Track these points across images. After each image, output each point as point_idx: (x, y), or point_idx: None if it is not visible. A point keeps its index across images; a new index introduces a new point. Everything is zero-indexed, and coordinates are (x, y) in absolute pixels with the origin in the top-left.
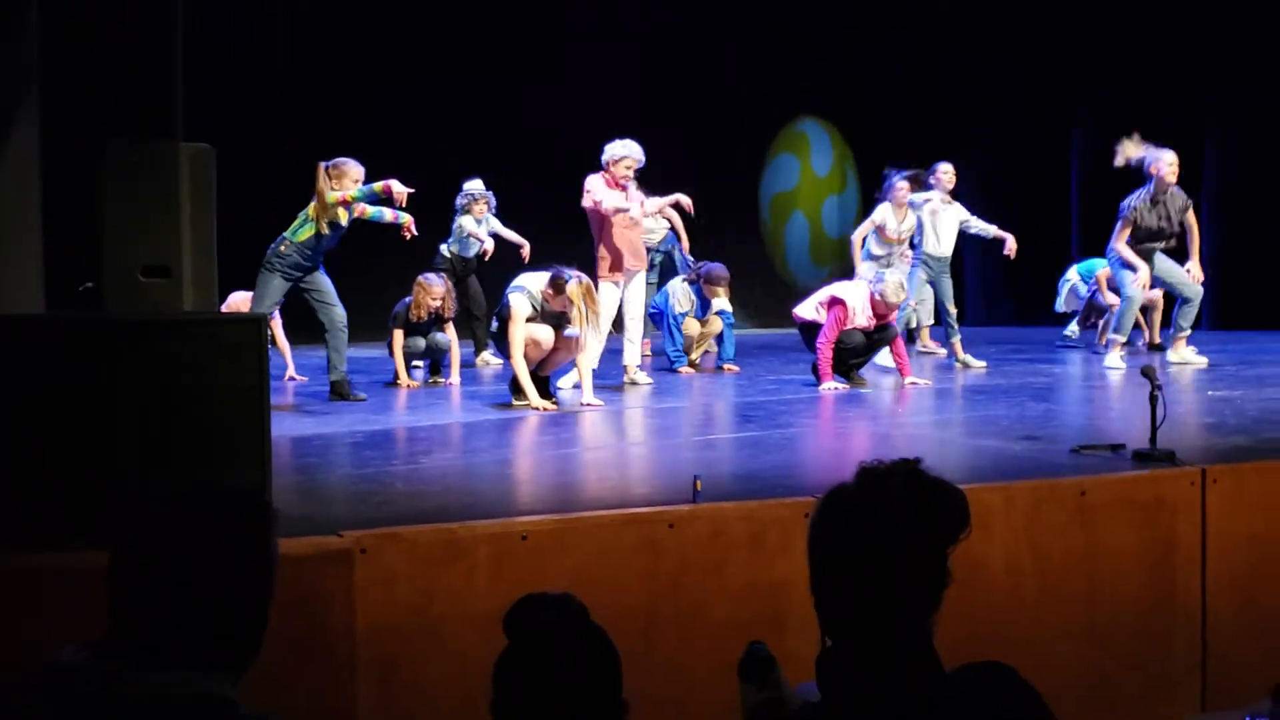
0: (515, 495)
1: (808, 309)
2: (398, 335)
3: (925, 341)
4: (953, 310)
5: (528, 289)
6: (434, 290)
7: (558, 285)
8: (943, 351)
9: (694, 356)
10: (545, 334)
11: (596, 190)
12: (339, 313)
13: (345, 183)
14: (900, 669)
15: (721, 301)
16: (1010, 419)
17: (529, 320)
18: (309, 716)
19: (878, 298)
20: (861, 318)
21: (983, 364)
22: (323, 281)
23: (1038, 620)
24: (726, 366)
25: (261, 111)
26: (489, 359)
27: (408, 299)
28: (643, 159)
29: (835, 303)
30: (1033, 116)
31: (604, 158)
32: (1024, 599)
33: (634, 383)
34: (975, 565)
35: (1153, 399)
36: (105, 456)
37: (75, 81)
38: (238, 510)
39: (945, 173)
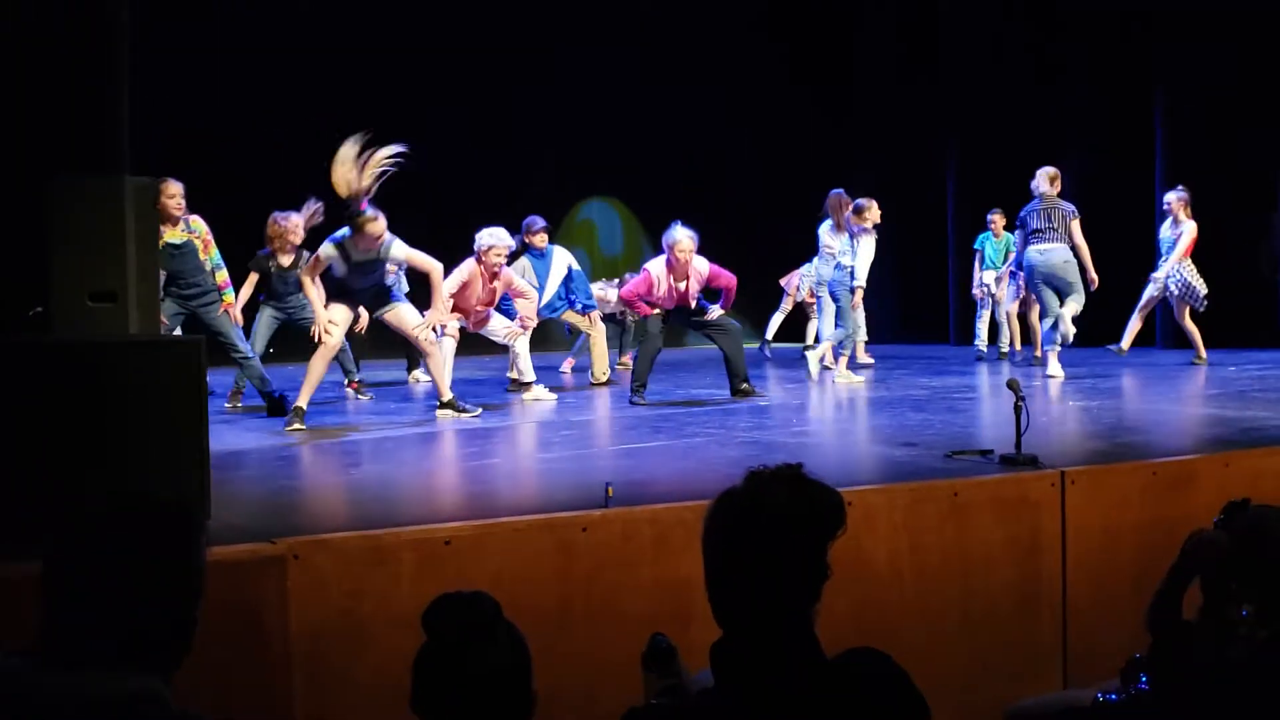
0: (439, 503)
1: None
2: (252, 278)
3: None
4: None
5: (338, 238)
6: (292, 219)
7: (353, 221)
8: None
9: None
10: (341, 314)
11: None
12: (238, 350)
13: (162, 199)
14: (785, 655)
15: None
16: (892, 427)
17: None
18: (247, 713)
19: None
20: (663, 285)
21: (860, 379)
22: (212, 318)
23: (918, 609)
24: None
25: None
26: (419, 376)
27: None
28: (513, 246)
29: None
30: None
31: (476, 246)
32: (905, 590)
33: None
34: (862, 561)
35: (1017, 409)
36: (52, 472)
37: (25, 116)
38: (164, 519)
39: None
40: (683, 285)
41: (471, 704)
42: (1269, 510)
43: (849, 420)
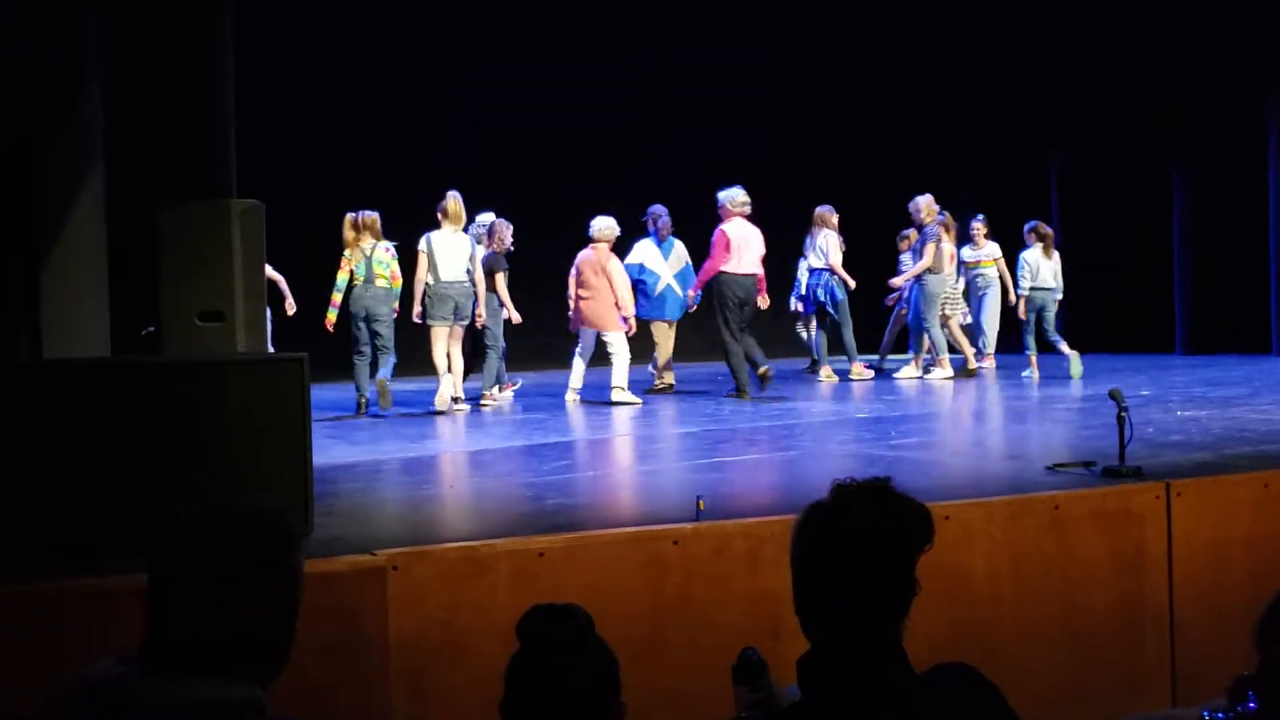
0: (534, 515)
1: None
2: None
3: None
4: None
5: None
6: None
7: None
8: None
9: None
10: None
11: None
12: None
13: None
14: (872, 669)
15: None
16: (993, 439)
17: None
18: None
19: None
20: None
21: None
22: None
23: (1018, 627)
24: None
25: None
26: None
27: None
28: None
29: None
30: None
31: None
32: (1004, 607)
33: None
34: (960, 577)
35: (1120, 419)
36: (161, 487)
37: (138, 145)
38: (262, 530)
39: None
40: None
41: (560, 712)
42: None
43: (949, 433)
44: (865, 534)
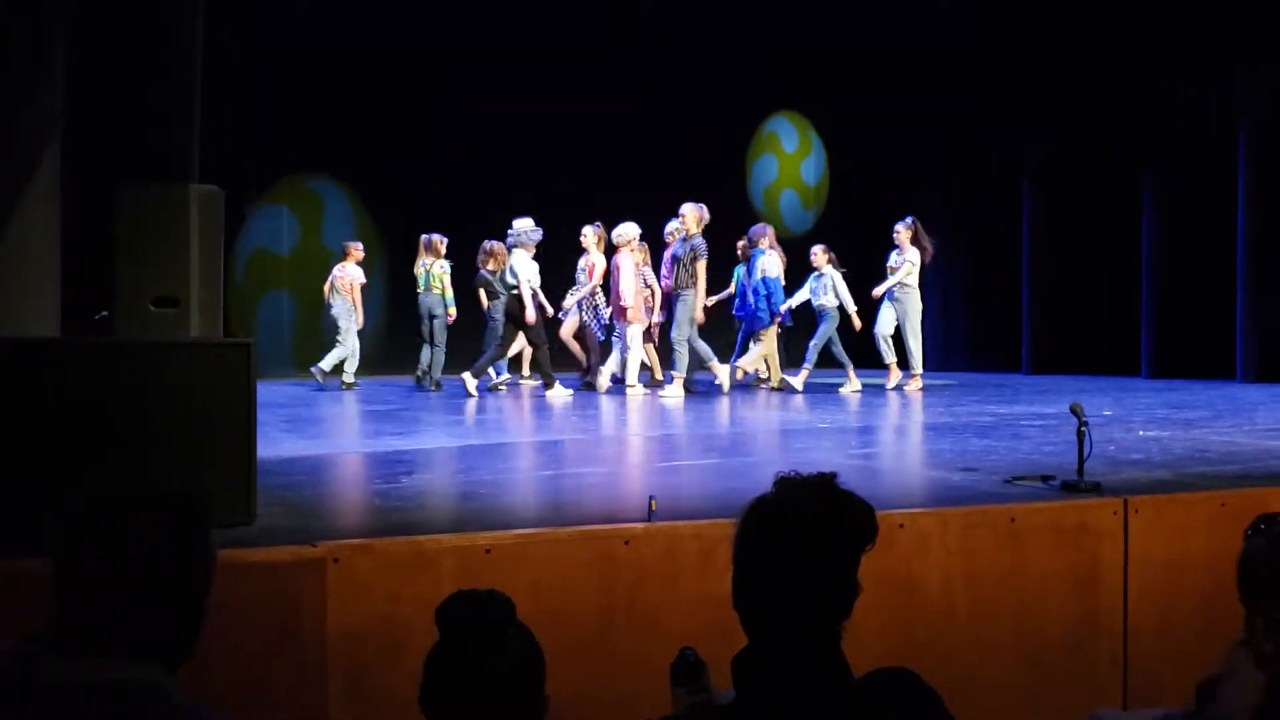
0: (482, 511)
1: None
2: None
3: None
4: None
5: None
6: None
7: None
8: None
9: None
10: None
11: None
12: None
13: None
14: (808, 668)
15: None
16: (953, 453)
17: None
18: (283, 714)
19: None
20: None
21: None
22: None
23: (970, 636)
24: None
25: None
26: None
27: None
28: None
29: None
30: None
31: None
32: (958, 618)
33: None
34: (914, 586)
35: (1079, 434)
36: (105, 468)
37: (96, 126)
38: (169, 512)
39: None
40: None
41: (477, 702)
42: None
43: (908, 444)
44: (808, 527)
